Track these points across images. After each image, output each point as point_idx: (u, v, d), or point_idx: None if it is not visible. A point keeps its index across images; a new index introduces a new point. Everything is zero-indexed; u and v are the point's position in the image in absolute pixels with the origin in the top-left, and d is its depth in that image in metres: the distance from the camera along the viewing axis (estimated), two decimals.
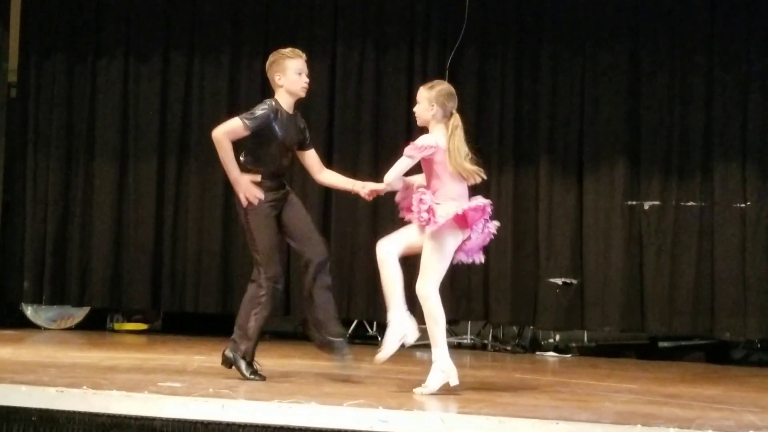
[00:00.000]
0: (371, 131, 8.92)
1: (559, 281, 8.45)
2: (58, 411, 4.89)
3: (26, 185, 9.48)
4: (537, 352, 8.57)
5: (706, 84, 8.34)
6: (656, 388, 6.25)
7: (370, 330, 8.96)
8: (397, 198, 5.65)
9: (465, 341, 8.88)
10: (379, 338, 7.37)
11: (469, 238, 5.46)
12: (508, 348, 8.65)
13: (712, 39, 8.34)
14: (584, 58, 8.60)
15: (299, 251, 5.94)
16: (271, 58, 5.93)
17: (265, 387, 5.52)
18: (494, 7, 8.79)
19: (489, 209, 5.46)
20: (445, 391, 5.39)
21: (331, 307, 5.89)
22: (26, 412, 4.92)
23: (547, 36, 8.66)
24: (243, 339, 5.81)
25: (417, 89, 5.68)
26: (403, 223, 5.63)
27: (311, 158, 6.03)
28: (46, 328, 9.29)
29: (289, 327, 9.32)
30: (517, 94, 8.72)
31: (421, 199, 5.38)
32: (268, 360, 6.26)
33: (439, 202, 5.37)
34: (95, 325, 9.38)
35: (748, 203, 8.15)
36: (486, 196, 5.64)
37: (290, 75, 5.86)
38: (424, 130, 5.61)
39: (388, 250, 5.47)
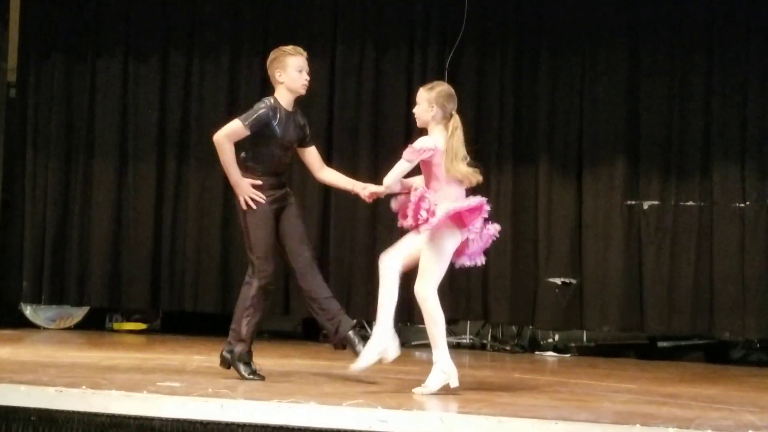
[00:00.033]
0: (370, 130, 8.91)
1: (558, 281, 8.45)
2: (57, 411, 4.89)
3: (25, 185, 9.47)
4: (536, 352, 8.57)
5: (705, 84, 8.34)
6: (655, 388, 6.25)
7: (368, 330, 8.94)
8: (395, 207, 5.61)
9: (464, 341, 8.87)
10: None
11: (470, 241, 5.44)
12: (507, 348, 8.65)
13: (711, 39, 8.35)
14: (584, 58, 8.60)
15: (287, 262, 5.95)
16: (272, 54, 5.94)
17: (264, 387, 5.52)
18: (494, 7, 8.79)
19: (486, 208, 5.44)
20: (444, 391, 5.38)
21: (326, 288, 5.90)
22: (25, 412, 4.91)
23: (546, 36, 8.66)
24: (237, 341, 5.81)
25: (416, 89, 5.68)
26: (402, 231, 5.61)
27: (312, 156, 6.03)
28: (45, 328, 9.29)
29: (289, 327, 9.33)
30: (517, 93, 8.72)
31: (423, 197, 5.37)
32: (267, 360, 6.26)
33: (437, 203, 5.36)
34: (94, 325, 9.37)
35: (748, 203, 8.15)
36: (485, 196, 5.62)
37: (291, 72, 5.87)
38: (423, 131, 5.60)
39: (390, 266, 5.46)
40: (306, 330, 9.13)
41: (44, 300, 9.35)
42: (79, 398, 4.91)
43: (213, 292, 9.05)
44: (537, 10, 8.71)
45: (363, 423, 4.58)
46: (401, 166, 5.46)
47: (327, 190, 8.53)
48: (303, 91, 5.94)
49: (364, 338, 5.71)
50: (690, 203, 8.30)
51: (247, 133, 5.75)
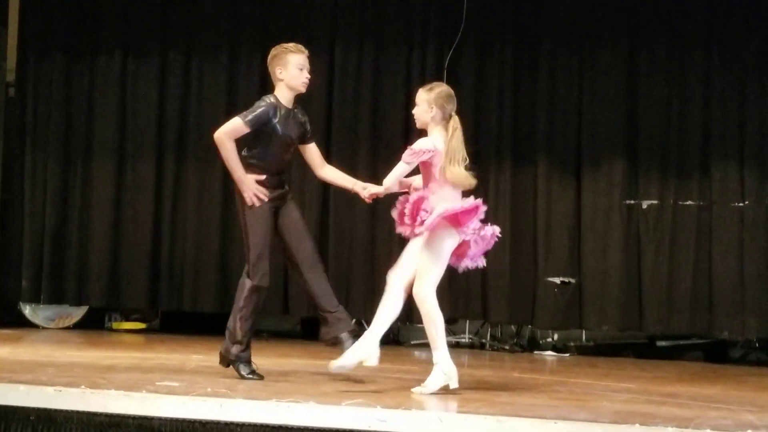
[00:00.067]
0: (369, 130, 8.92)
1: (557, 280, 8.46)
2: (56, 410, 4.88)
3: (24, 184, 9.48)
4: (535, 352, 8.57)
5: (704, 83, 8.34)
6: (654, 388, 6.25)
7: (367, 327, 8.94)
8: (395, 214, 5.59)
9: (463, 340, 8.88)
10: None
11: (472, 243, 5.44)
12: (507, 347, 8.65)
13: (710, 39, 8.35)
14: (583, 58, 8.60)
15: (289, 257, 5.94)
16: (273, 51, 5.93)
17: (263, 386, 5.52)
18: (493, 7, 8.80)
19: (482, 209, 5.43)
20: (443, 390, 5.38)
21: (326, 284, 5.89)
22: (24, 412, 4.91)
23: (545, 35, 8.67)
24: (233, 341, 5.81)
25: (415, 88, 5.68)
26: (402, 241, 5.60)
27: (313, 153, 6.03)
28: (44, 328, 9.29)
29: (288, 326, 9.33)
30: (516, 93, 8.73)
31: (423, 197, 5.37)
32: (266, 359, 6.26)
33: (435, 204, 5.36)
34: (93, 325, 9.37)
35: (747, 202, 8.16)
36: (484, 196, 5.64)
37: (291, 70, 5.86)
38: (423, 131, 5.60)
39: (395, 282, 5.48)
40: (305, 329, 9.13)
41: (43, 299, 9.36)
42: (78, 398, 4.91)
43: (212, 291, 9.05)
44: (536, 10, 8.72)
45: (362, 422, 4.58)
46: (400, 168, 5.46)
47: (326, 187, 8.54)
48: (303, 89, 5.93)
49: (357, 338, 5.71)
50: (689, 203, 8.30)
51: (247, 130, 5.75)
